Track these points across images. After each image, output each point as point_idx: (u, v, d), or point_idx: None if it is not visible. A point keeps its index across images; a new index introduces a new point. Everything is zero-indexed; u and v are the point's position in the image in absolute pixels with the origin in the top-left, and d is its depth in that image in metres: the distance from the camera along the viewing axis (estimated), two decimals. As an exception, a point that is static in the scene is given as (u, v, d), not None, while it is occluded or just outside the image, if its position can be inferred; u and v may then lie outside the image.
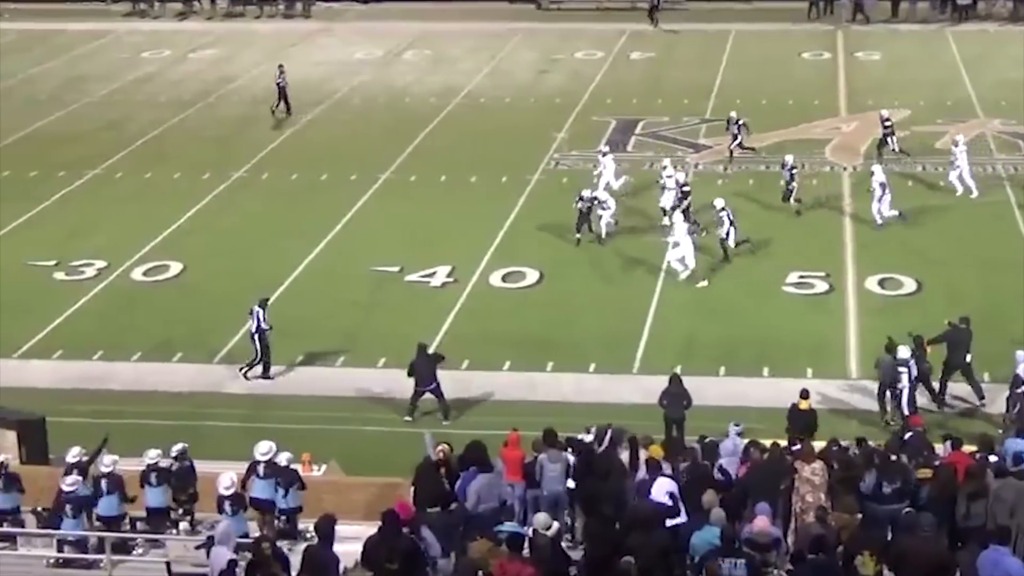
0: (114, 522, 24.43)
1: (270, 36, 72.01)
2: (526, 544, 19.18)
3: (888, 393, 30.38)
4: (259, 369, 33.82)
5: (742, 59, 63.89)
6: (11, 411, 29.27)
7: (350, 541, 20.22)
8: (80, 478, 24.24)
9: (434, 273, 39.48)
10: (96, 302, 38.51)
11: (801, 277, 38.38)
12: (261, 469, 24.81)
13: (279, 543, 20.09)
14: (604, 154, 43.78)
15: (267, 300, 34.09)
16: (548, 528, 19.68)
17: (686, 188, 41.37)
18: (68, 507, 23.82)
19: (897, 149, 46.97)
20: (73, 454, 24.98)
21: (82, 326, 37.07)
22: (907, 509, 21.00)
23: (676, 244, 38.30)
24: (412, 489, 23.52)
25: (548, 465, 23.68)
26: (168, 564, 21.91)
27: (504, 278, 39.15)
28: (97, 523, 24.39)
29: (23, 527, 24.45)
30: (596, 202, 40.89)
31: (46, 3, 79.41)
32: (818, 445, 24.17)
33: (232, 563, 19.08)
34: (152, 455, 24.98)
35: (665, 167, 42.61)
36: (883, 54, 64.16)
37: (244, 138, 53.78)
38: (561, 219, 41.77)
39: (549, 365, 34.07)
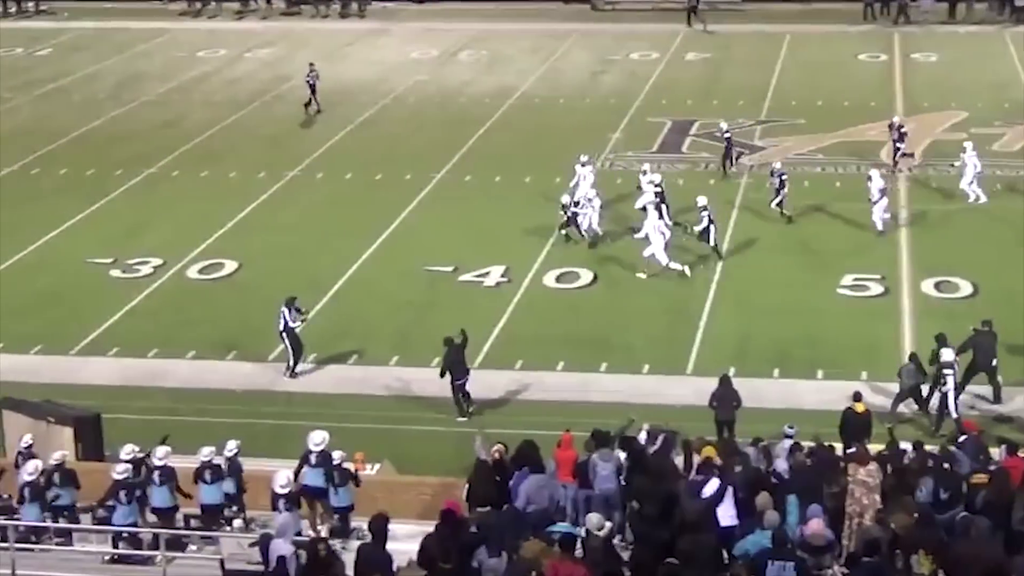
0: (167, 514, 24.62)
1: (326, 36, 72.20)
2: (578, 544, 19.18)
3: (926, 397, 30.33)
4: (301, 365, 34.04)
5: (798, 60, 63.69)
6: (68, 408, 29.52)
7: (402, 540, 20.25)
8: (130, 466, 24.43)
9: (488, 273, 39.52)
10: (152, 300, 38.72)
11: (856, 280, 38.22)
12: (313, 458, 24.90)
13: (331, 542, 20.16)
14: (583, 164, 43.27)
15: (294, 299, 34.14)
16: (601, 529, 19.66)
17: (659, 190, 41.14)
18: (122, 493, 24.00)
19: (906, 155, 46.68)
20: (127, 451, 25.14)
21: (138, 324, 37.27)
22: (962, 514, 20.87)
23: (647, 239, 38.61)
24: (466, 489, 23.54)
25: (600, 464, 23.65)
26: (222, 561, 21.98)
27: (558, 278, 39.14)
28: (150, 515, 24.59)
29: (79, 523, 24.61)
30: (579, 205, 41.20)
31: (104, 2, 79.93)
32: (874, 448, 24.06)
33: (285, 558, 19.16)
34: (206, 452, 25.07)
35: (645, 172, 42.50)
36: (940, 56, 63.80)
37: (299, 137, 53.99)
38: (615, 220, 41.74)
39: (603, 366, 34.06)
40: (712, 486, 21.63)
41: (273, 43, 70.79)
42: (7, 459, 27.33)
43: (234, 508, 25.13)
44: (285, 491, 23.62)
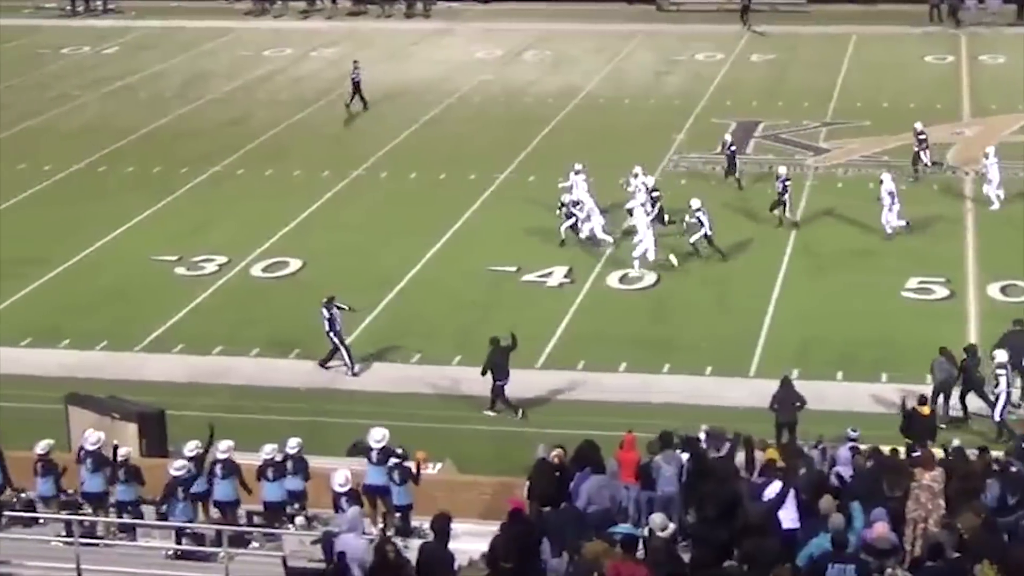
0: (230, 507, 24.71)
1: (390, 35, 72.35)
2: (640, 545, 19.15)
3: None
4: (358, 364, 34.19)
5: (864, 62, 63.29)
6: (132, 404, 29.70)
7: (463, 539, 20.26)
8: (187, 463, 24.56)
9: (551, 273, 39.53)
10: (216, 297, 38.94)
11: (921, 282, 38.00)
12: (374, 456, 24.90)
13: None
14: (577, 172, 43.04)
15: (332, 298, 34.20)
16: (664, 529, 19.62)
17: (655, 193, 41.30)
18: (179, 490, 24.15)
19: (930, 163, 46.28)
20: (190, 448, 25.21)
21: (202, 321, 37.49)
22: (1025, 517, 20.75)
23: (639, 238, 38.97)
24: (527, 488, 23.53)
25: (663, 466, 23.60)
26: (284, 559, 22.06)
27: (621, 279, 39.08)
28: (213, 509, 24.74)
29: (142, 519, 24.75)
30: (576, 206, 41.43)
31: (170, 1, 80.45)
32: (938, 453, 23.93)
33: (345, 555, 19.23)
34: (268, 450, 25.13)
35: (637, 174, 42.31)
36: (1007, 57, 63.26)
37: (363, 137, 54.18)
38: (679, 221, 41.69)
39: (665, 367, 33.99)
40: (774, 488, 21.55)
41: (338, 42, 70.95)
42: (71, 455, 27.50)
43: (296, 506, 25.20)
44: (344, 489, 23.61)
